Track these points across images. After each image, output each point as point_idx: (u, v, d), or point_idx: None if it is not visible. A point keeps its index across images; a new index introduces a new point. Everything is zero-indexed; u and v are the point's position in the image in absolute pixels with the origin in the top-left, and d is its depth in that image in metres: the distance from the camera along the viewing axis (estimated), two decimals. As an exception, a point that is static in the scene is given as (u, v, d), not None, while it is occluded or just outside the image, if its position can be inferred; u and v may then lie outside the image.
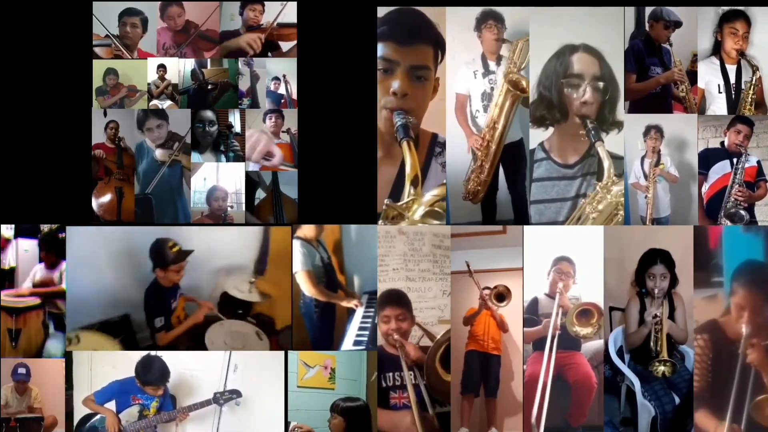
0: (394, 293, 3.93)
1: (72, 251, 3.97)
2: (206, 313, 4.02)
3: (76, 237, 3.98)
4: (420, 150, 4.00)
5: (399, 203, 3.89)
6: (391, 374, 3.91)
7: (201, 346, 3.96)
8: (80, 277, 3.98)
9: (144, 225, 4.04)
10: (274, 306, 4.05)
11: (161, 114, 4.10)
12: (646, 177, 4.01)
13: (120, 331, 3.97)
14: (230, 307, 4.06)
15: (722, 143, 4.01)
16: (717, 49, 4.04)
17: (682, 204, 4.03)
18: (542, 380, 3.86)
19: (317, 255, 4.02)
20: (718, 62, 4.04)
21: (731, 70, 4.03)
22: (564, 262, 3.95)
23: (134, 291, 3.99)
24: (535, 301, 3.96)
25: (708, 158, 4.02)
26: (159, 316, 3.96)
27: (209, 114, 4.10)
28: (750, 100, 4.00)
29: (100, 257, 4.01)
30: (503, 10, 3.99)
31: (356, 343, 3.92)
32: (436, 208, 3.92)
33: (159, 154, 4.12)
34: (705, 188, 4.02)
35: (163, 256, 3.96)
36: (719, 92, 4.02)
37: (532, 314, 3.96)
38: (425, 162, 4.02)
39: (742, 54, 4.02)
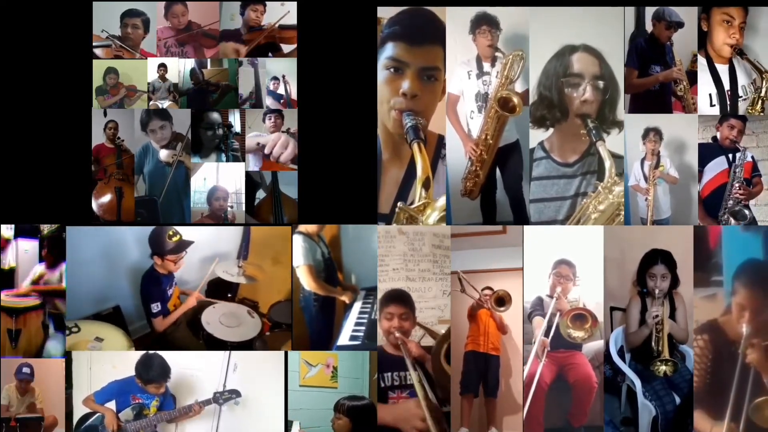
0: (399, 293, 3.93)
1: (72, 251, 3.96)
2: (196, 301, 4.11)
3: (76, 237, 3.98)
4: (427, 151, 3.99)
5: (412, 206, 3.87)
6: (390, 374, 3.91)
7: (198, 328, 4.02)
8: (80, 277, 3.98)
9: (144, 225, 4.05)
10: (257, 290, 4.13)
11: (164, 115, 4.09)
12: (646, 179, 4.01)
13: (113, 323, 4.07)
14: (220, 291, 4.15)
15: (714, 138, 3.95)
16: (702, 42, 3.88)
17: (682, 205, 4.02)
18: (535, 381, 3.88)
19: (318, 250, 4.03)
20: (705, 61, 3.95)
21: (723, 71, 3.95)
22: (563, 265, 3.95)
23: (125, 282, 4.09)
24: (539, 300, 3.96)
25: (702, 155, 3.96)
26: (155, 301, 4.02)
27: (216, 116, 4.10)
28: (758, 113, 3.85)
29: (100, 257, 4.04)
30: (501, 12, 3.98)
31: (352, 338, 3.93)
32: None
33: (163, 155, 4.12)
34: (700, 187, 3.98)
35: (162, 244, 4.01)
36: (711, 105, 3.94)
37: (539, 310, 3.95)
38: (432, 163, 4.01)
39: (740, 52, 3.84)
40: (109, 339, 3.99)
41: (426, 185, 3.85)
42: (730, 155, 3.96)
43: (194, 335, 4.05)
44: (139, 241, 4.04)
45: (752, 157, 3.98)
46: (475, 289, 3.95)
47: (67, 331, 3.97)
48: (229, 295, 4.16)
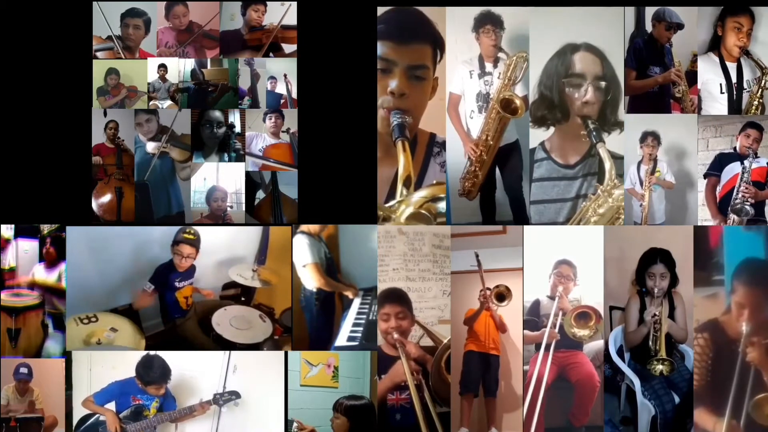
0: (393, 291, 3.94)
1: (72, 251, 3.96)
2: (206, 298, 4.14)
3: (76, 237, 3.97)
4: (418, 150, 4.02)
5: (388, 205, 3.91)
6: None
7: (209, 328, 4.03)
8: (81, 276, 3.99)
9: (144, 225, 4.05)
10: (273, 295, 4.13)
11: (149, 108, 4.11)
12: (641, 184, 4.02)
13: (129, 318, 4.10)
14: (232, 294, 4.17)
15: (734, 149, 4.01)
16: (716, 44, 4.04)
17: (677, 211, 4.04)
18: (544, 382, 3.89)
19: (322, 248, 4.05)
20: (717, 59, 4.04)
21: (732, 67, 4.03)
22: (564, 265, 3.95)
23: (145, 281, 4.09)
24: (537, 303, 3.96)
25: (721, 161, 4.02)
26: (154, 282, 4.05)
27: (217, 114, 4.10)
28: (757, 103, 4.00)
29: (100, 257, 4.04)
30: (503, 11, 3.99)
31: (350, 338, 3.93)
32: (423, 210, 3.89)
33: (150, 146, 4.13)
34: (718, 189, 4.02)
35: (177, 235, 4.04)
36: (721, 92, 4.02)
37: (534, 316, 3.96)
38: (423, 162, 4.04)
39: (746, 52, 4.02)
40: (123, 330, 4.00)
41: (407, 183, 3.88)
42: (745, 161, 4.02)
43: (205, 334, 4.06)
44: (162, 243, 4.06)
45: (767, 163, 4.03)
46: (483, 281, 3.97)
47: (86, 321, 3.98)
48: (243, 299, 4.16)
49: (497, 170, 4.10)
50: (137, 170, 4.12)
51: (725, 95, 4.04)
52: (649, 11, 3.99)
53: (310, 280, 4.01)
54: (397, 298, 3.93)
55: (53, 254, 4.01)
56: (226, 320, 4.06)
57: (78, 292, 3.99)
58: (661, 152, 4.01)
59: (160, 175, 4.13)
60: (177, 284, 4.08)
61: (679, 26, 3.99)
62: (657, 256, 3.91)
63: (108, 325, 4.00)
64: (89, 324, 3.98)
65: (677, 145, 4.02)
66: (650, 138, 4.00)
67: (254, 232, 4.12)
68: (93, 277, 4.03)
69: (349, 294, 4.07)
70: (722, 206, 4.02)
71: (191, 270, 4.10)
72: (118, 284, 4.08)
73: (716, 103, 4.04)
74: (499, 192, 4.10)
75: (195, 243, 4.04)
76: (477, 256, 3.95)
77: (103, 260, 4.03)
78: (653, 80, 4.01)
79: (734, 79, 4.04)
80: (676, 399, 3.89)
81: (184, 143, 4.12)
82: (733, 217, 3.99)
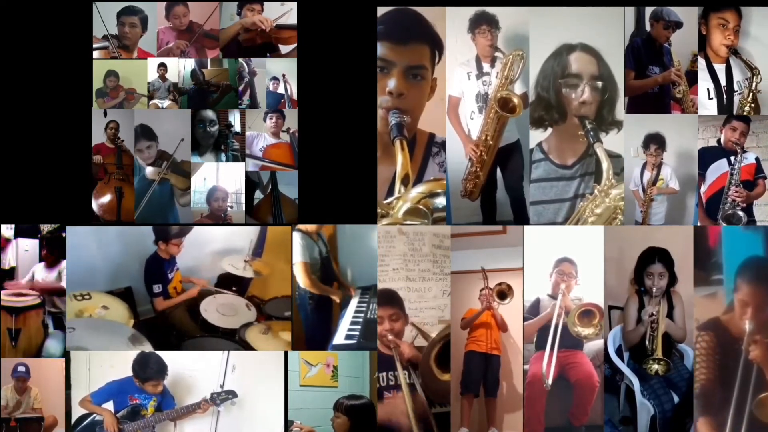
0: (386, 293, 3.94)
1: (72, 251, 3.97)
2: (201, 288, 4.18)
3: (76, 237, 3.98)
4: (417, 149, 4.03)
5: (386, 201, 3.93)
6: (384, 374, 3.91)
7: (196, 313, 4.10)
8: (80, 275, 4.01)
9: (144, 225, 4.06)
10: (266, 287, 4.19)
11: (150, 135, 4.10)
12: (644, 191, 4.01)
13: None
14: (226, 285, 4.23)
15: (718, 141, 3.97)
16: (702, 45, 3.98)
17: (676, 212, 4.03)
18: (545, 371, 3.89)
19: (316, 248, 4.04)
20: (703, 61, 3.98)
21: (720, 69, 3.99)
22: (566, 263, 3.95)
23: (139, 267, 4.16)
24: (537, 302, 3.96)
25: (705, 157, 3.98)
26: (157, 283, 4.11)
27: (210, 114, 4.11)
28: (749, 108, 3.94)
29: (99, 257, 4.09)
30: (500, 11, 3.99)
31: (348, 337, 3.93)
32: (420, 206, 3.92)
33: (149, 172, 4.13)
34: (704, 189, 3.99)
35: (167, 230, 4.08)
36: (709, 98, 3.98)
37: (534, 315, 3.96)
38: (422, 161, 4.05)
39: (735, 52, 3.94)
40: (114, 308, 4.07)
41: (405, 181, 3.92)
42: (731, 158, 3.97)
43: (192, 319, 4.13)
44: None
45: (757, 159, 3.98)
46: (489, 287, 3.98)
47: (80, 297, 4.03)
48: (234, 288, 4.21)
49: (498, 170, 4.10)
50: (135, 196, 4.14)
51: (714, 101, 3.98)
52: (649, 11, 3.99)
53: (299, 279, 4.01)
54: (390, 299, 3.94)
55: (49, 256, 4.02)
56: (213, 306, 4.13)
57: (96, 268, 4.08)
58: (666, 156, 3.99)
59: (158, 202, 4.14)
60: (169, 275, 4.12)
61: (678, 25, 3.97)
62: (655, 256, 3.90)
63: (100, 303, 4.06)
64: (83, 301, 4.03)
65: (680, 148, 4.00)
66: (654, 147, 3.97)
67: (252, 229, 4.14)
68: (93, 272, 4.07)
69: (335, 298, 4.07)
70: (710, 208, 3.99)
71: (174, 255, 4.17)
72: (115, 275, 4.15)
73: (704, 110, 3.98)
74: (500, 192, 4.10)
75: (184, 229, 4.10)
76: (483, 270, 3.97)
77: (103, 256, 4.10)
78: (653, 80, 4.00)
79: (723, 82, 3.98)
80: (676, 399, 3.89)
81: (184, 170, 4.13)
82: (724, 225, 3.96)
